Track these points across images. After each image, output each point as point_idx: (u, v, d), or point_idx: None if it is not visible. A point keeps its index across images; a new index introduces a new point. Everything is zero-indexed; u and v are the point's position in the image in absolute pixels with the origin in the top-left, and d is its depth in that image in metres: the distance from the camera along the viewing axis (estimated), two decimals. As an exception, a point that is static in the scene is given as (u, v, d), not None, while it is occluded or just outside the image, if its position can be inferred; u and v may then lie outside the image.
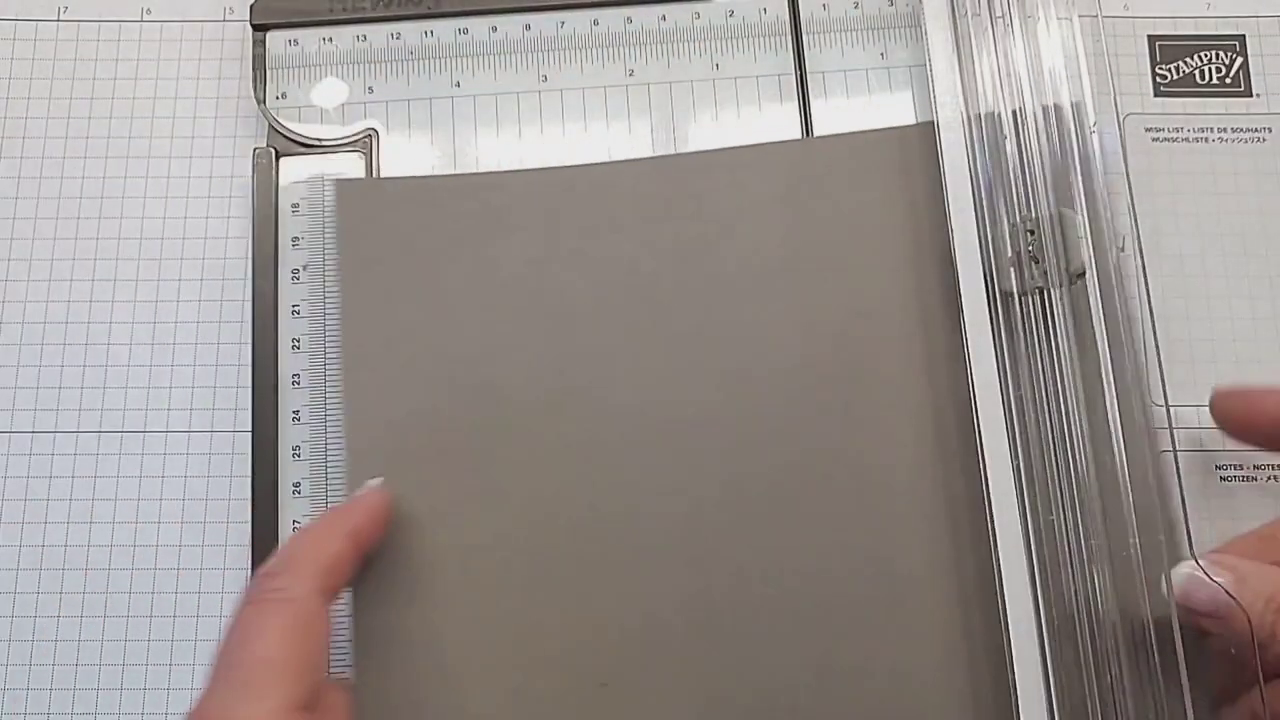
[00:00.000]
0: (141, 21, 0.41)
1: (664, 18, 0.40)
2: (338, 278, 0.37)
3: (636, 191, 0.37)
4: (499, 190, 0.37)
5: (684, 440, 0.35)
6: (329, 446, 0.36)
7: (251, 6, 0.39)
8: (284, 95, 0.39)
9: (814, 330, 0.36)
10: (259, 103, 0.39)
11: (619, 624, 0.34)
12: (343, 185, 0.37)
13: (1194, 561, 0.30)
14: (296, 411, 0.36)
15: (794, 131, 0.39)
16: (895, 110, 0.39)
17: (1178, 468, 0.33)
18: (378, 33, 0.40)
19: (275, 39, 0.40)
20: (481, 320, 0.36)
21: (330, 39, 0.40)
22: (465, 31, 0.40)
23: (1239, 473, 0.36)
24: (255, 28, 0.39)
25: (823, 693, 0.33)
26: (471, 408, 0.35)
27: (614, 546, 0.34)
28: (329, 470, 0.36)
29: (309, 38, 0.40)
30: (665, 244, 0.36)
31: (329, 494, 0.35)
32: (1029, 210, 0.35)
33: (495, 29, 0.40)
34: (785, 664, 0.33)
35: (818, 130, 0.39)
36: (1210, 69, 0.40)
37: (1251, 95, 0.40)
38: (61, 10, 0.41)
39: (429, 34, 0.39)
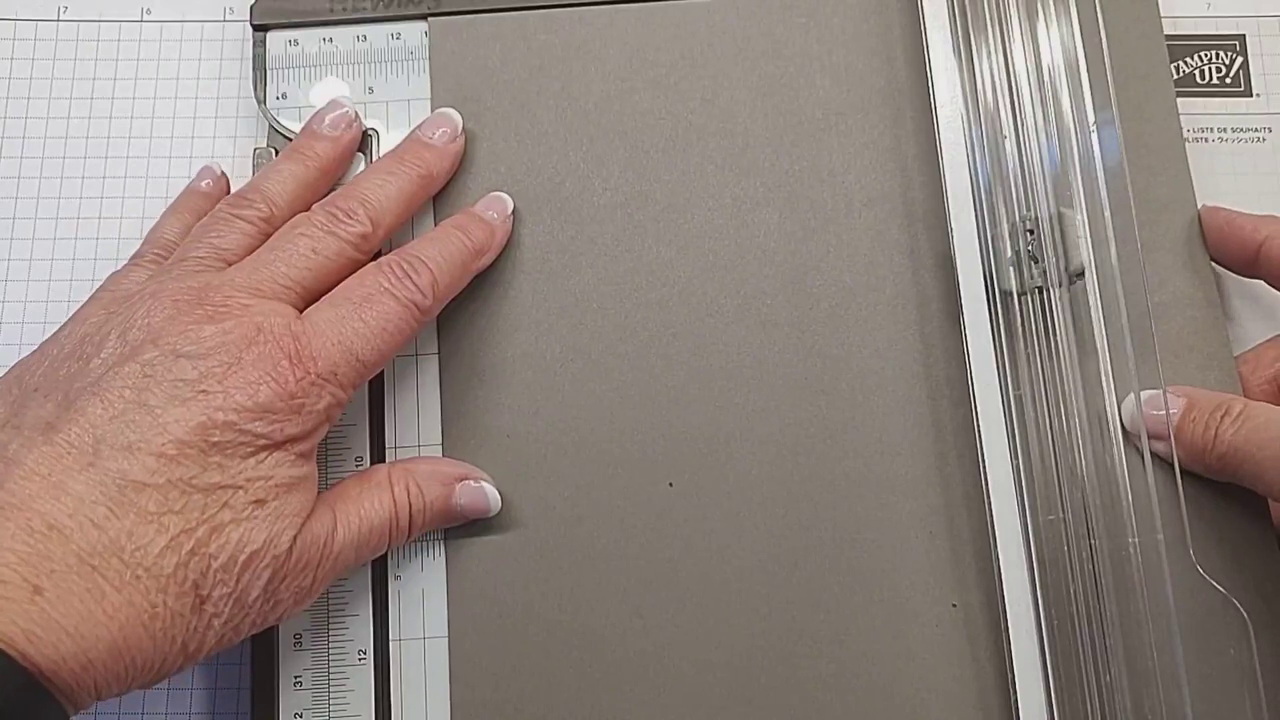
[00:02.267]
0: (141, 21, 0.41)
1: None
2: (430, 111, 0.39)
3: (711, 28, 0.39)
4: (582, 24, 0.39)
5: (748, 266, 0.37)
6: (329, 443, 0.36)
7: (252, 7, 0.39)
8: (284, 95, 0.39)
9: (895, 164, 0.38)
10: (259, 103, 0.39)
11: (686, 430, 0.36)
12: (435, 24, 0.39)
13: (1148, 392, 0.33)
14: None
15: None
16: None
17: (1177, 466, 0.33)
18: (378, 33, 0.40)
19: (276, 39, 0.40)
20: (565, 145, 0.38)
21: (330, 39, 0.40)
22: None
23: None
24: (256, 28, 0.39)
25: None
26: (555, 226, 0.38)
27: (682, 357, 0.36)
28: (331, 461, 0.36)
29: (309, 38, 0.40)
30: (741, 79, 0.39)
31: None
32: (1029, 210, 0.35)
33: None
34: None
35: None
36: (1210, 69, 0.40)
37: (1251, 95, 0.40)
38: (61, 10, 0.41)
39: (428, 34, 0.39)
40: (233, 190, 0.37)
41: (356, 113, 0.37)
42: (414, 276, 0.33)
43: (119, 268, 0.35)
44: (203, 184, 0.38)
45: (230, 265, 0.33)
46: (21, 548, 0.25)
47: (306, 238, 0.33)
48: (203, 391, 0.28)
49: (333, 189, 0.37)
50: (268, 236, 0.34)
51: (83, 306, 0.33)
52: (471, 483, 0.34)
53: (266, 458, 0.29)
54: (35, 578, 0.25)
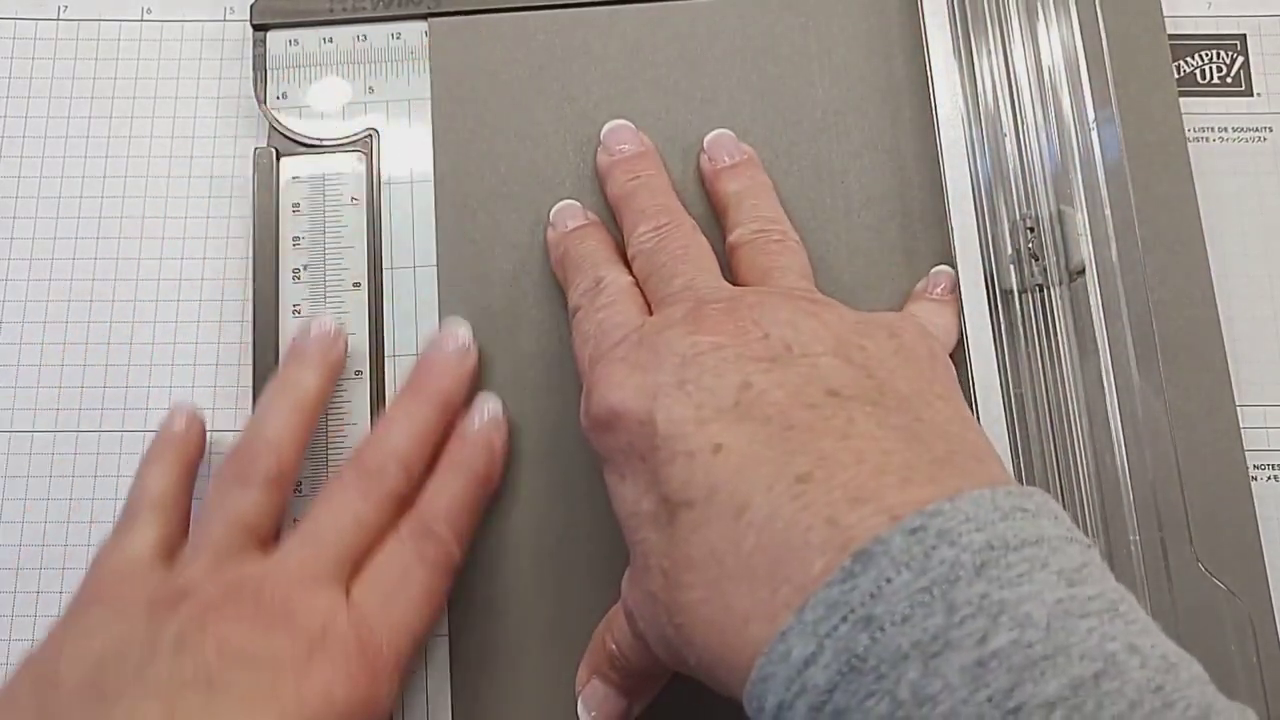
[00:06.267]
0: (141, 21, 0.41)
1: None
2: (431, 112, 0.39)
3: (711, 28, 0.39)
4: (582, 24, 0.39)
5: None
6: (328, 444, 0.36)
7: (252, 7, 0.39)
8: (284, 95, 0.39)
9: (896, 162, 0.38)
10: (259, 103, 0.39)
11: None
12: (435, 24, 0.39)
13: None
14: (296, 411, 0.36)
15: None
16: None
17: (1177, 465, 0.33)
18: (378, 33, 0.40)
19: (276, 39, 0.40)
20: (565, 145, 0.38)
21: (330, 39, 0.40)
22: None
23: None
24: (256, 28, 0.39)
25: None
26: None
27: None
28: (328, 468, 0.36)
29: (309, 38, 0.40)
30: (740, 79, 0.39)
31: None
32: (1029, 208, 0.35)
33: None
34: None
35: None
36: (1210, 69, 0.40)
37: (1251, 95, 0.40)
38: (61, 10, 0.41)
39: (428, 34, 0.39)
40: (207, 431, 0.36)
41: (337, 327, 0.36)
42: (434, 538, 0.32)
43: (108, 537, 0.33)
44: (177, 427, 0.35)
45: (262, 541, 0.32)
46: None
47: (348, 510, 0.32)
48: (275, 697, 0.28)
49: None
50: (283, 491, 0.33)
51: (90, 589, 0.32)
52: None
53: None
54: None
